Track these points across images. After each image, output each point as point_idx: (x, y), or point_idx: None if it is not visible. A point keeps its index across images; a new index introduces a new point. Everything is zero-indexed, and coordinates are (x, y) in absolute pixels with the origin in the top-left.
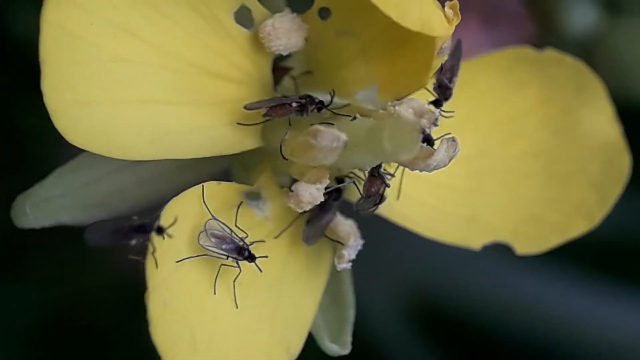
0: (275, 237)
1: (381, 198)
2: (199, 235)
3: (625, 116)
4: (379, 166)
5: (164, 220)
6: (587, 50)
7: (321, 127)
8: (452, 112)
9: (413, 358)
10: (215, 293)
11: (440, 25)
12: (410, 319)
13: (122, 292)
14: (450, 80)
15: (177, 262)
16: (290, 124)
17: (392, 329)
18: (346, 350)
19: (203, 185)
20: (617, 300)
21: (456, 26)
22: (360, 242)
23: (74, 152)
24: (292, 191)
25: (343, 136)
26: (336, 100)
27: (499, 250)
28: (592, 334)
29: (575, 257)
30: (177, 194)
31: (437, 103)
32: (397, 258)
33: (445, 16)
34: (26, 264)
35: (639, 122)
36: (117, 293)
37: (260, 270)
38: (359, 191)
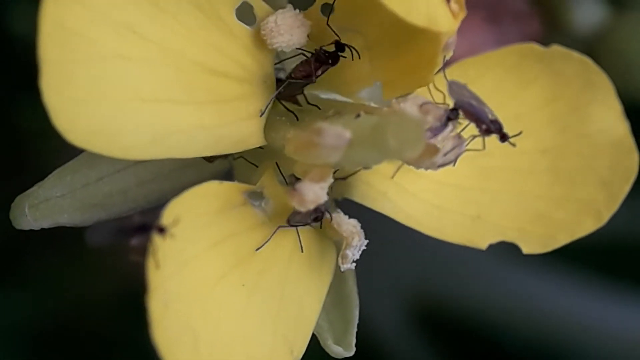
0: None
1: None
2: None
3: (631, 114)
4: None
5: (166, 219)
6: (592, 48)
7: (325, 125)
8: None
9: (416, 359)
10: (217, 294)
11: (446, 20)
12: (412, 319)
13: (124, 299)
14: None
15: (179, 262)
16: (296, 119)
17: (395, 330)
18: (350, 352)
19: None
20: (620, 301)
21: (461, 24)
22: (364, 241)
23: (74, 153)
24: (295, 190)
25: (347, 134)
26: (339, 98)
27: (502, 251)
28: (595, 335)
29: (579, 258)
30: (178, 194)
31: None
32: (399, 258)
33: (451, 11)
34: (26, 270)
35: None
36: (118, 299)
37: None
38: None
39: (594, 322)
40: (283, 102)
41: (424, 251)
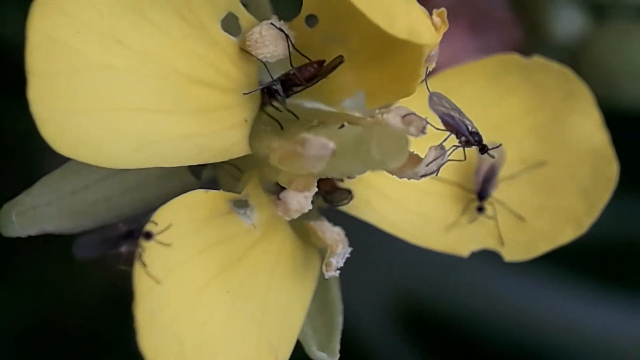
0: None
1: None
2: None
3: (610, 122)
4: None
5: (152, 227)
6: (573, 56)
7: (309, 136)
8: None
9: None
10: (203, 301)
11: (428, 33)
12: (397, 323)
13: (111, 297)
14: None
15: (166, 269)
16: (281, 128)
17: (379, 334)
18: (334, 358)
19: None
20: (603, 303)
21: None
22: (348, 249)
23: (60, 155)
24: (280, 199)
25: (331, 144)
26: (323, 107)
27: (487, 255)
28: (579, 338)
29: (563, 261)
30: (164, 202)
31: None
32: (383, 263)
33: (433, 24)
34: (13, 268)
35: (623, 128)
36: (105, 297)
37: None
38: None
39: (577, 324)
40: (268, 112)
41: (409, 254)
